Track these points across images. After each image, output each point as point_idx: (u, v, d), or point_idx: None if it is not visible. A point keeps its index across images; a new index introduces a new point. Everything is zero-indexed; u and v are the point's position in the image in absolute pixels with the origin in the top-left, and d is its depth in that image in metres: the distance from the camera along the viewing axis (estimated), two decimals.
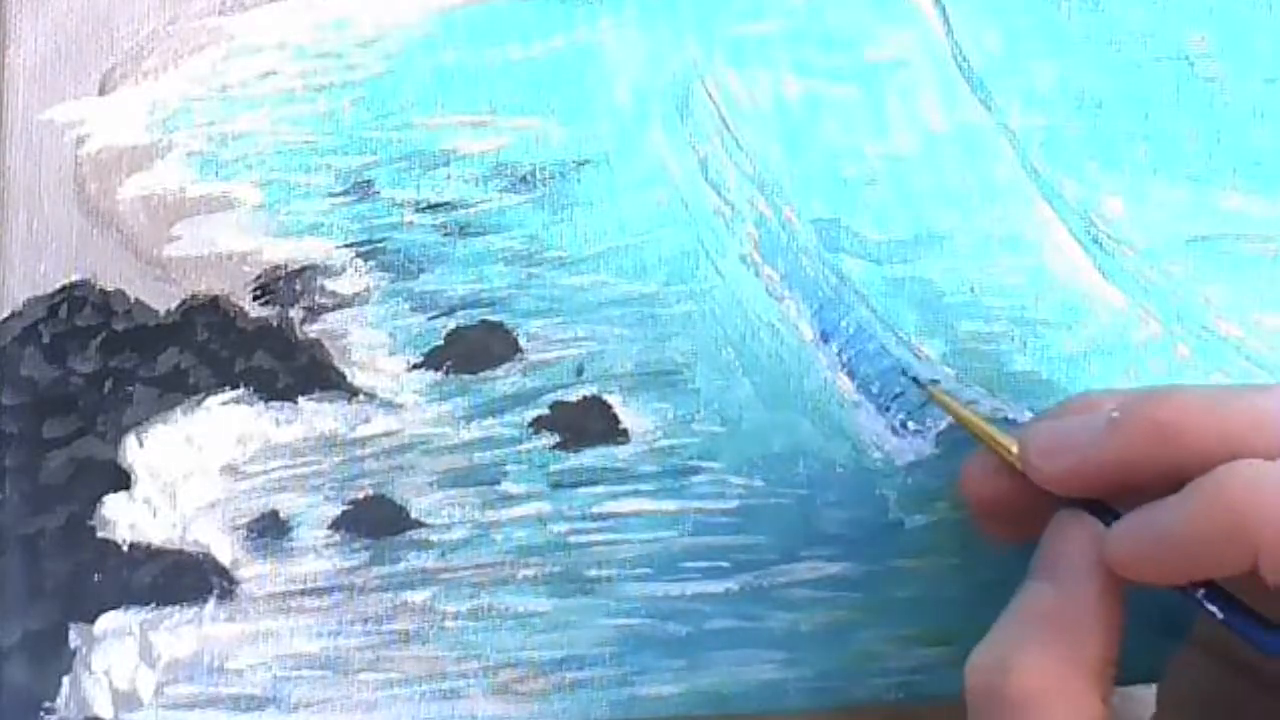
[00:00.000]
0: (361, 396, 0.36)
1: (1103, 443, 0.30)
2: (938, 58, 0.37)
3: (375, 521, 0.36)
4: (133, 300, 0.36)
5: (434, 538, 0.36)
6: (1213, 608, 0.29)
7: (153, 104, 0.36)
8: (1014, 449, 0.32)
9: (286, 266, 0.36)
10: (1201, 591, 0.29)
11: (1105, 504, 0.30)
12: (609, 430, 0.36)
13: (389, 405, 0.36)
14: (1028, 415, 0.36)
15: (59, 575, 0.35)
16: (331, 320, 0.36)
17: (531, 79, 0.37)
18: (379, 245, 0.37)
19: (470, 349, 0.36)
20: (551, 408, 0.36)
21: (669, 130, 0.37)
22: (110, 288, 0.36)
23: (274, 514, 0.36)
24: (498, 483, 0.36)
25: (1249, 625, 0.29)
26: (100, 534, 0.36)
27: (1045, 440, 0.31)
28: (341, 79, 0.37)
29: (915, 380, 0.36)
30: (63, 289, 0.36)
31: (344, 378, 0.36)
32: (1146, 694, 0.34)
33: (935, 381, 0.36)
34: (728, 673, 0.36)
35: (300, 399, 0.36)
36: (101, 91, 0.36)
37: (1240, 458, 0.28)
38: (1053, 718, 0.28)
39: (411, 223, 0.37)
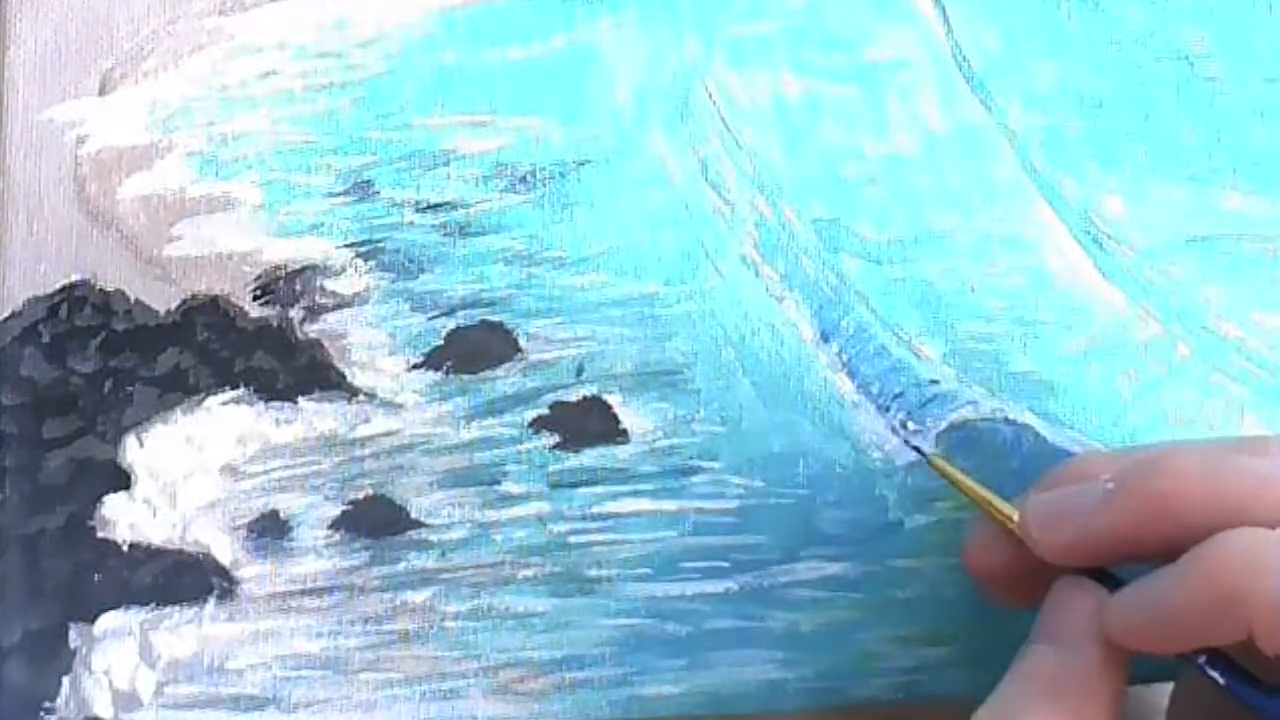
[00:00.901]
0: (361, 396, 0.36)
1: (1099, 515, 0.30)
2: (938, 58, 0.37)
3: (375, 521, 0.36)
4: (133, 300, 0.36)
5: (434, 538, 0.36)
6: (1214, 674, 0.29)
7: (153, 104, 0.36)
8: (1015, 517, 0.32)
9: (286, 266, 0.36)
10: (1203, 659, 0.29)
11: (1107, 570, 0.31)
12: (609, 430, 0.36)
13: (389, 405, 0.36)
14: (1029, 415, 0.36)
15: (59, 575, 0.35)
16: (331, 320, 0.36)
17: (531, 79, 0.37)
18: (379, 245, 0.37)
19: (470, 349, 0.36)
20: (551, 408, 0.36)
21: (669, 130, 0.37)
22: (110, 288, 0.36)
23: (274, 514, 0.36)
24: (498, 483, 0.36)
25: (1250, 691, 0.29)
26: (100, 534, 0.36)
27: (1043, 514, 0.31)
28: (341, 79, 0.37)
29: (918, 450, 0.36)
30: (63, 289, 0.36)
31: (344, 378, 0.36)
32: (1150, 694, 0.34)
33: (935, 452, 0.36)
34: (728, 673, 0.36)
35: (300, 399, 0.36)
36: (101, 91, 0.36)
37: (1237, 525, 0.28)
38: None
39: (411, 223, 0.37)
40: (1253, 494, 0.29)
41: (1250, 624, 0.27)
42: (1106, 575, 0.31)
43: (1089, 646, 0.30)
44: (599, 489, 0.36)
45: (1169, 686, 0.34)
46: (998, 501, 0.33)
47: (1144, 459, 0.31)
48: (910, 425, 0.36)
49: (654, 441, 0.36)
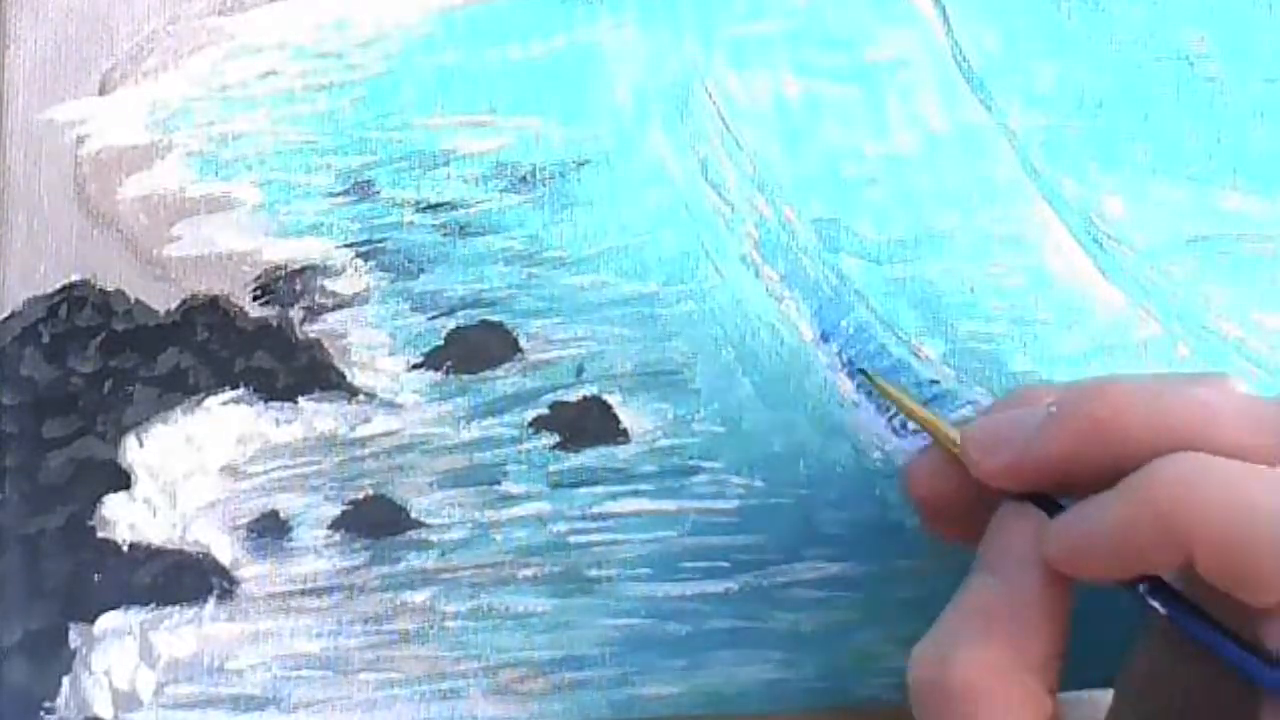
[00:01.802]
0: (361, 396, 0.36)
1: (1040, 438, 0.29)
2: (938, 58, 0.37)
3: (375, 521, 0.36)
4: (133, 300, 0.36)
5: (434, 538, 0.36)
6: (1154, 603, 0.29)
7: (153, 104, 0.36)
8: (959, 440, 0.32)
9: (286, 266, 0.36)
10: (1144, 587, 0.29)
11: (1050, 497, 0.30)
12: (609, 430, 0.36)
13: (389, 405, 0.36)
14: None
15: (59, 575, 0.35)
16: (331, 320, 0.36)
17: (531, 79, 0.37)
18: (379, 245, 0.37)
19: (470, 349, 0.36)
20: (551, 408, 0.36)
21: (669, 130, 0.37)
22: (110, 288, 0.36)
23: (274, 514, 0.36)
24: (498, 483, 0.36)
25: (1192, 621, 0.28)
26: (100, 534, 0.36)
27: (984, 436, 0.31)
28: (341, 79, 0.37)
29: (861, 372, 0.35)
30: (63, 289, 0.36)
31: (344, 378, 0.36)
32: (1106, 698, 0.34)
33: (876, 371, 0.35)
34: (728, 673, 0.36)
35: (300, 399, 0.36)
36: (101, 91, 0.36)
37: (1178, 448, 0.28)
38: (993, 710, 0.28)
39: (411, 223, 0.37)
40: (1195, 422, 0.28)
41: (1190, 549, 0.27)
42: (1049, 502, 0.30)
43: (1029, 574, 0.29)
44: (599, 489, 0.36)
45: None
46: (943, 424, 0.32)
47: (1087, 385, 0.30)
48: (910, 425, 0.36)
49: (654, 441, 0.36)
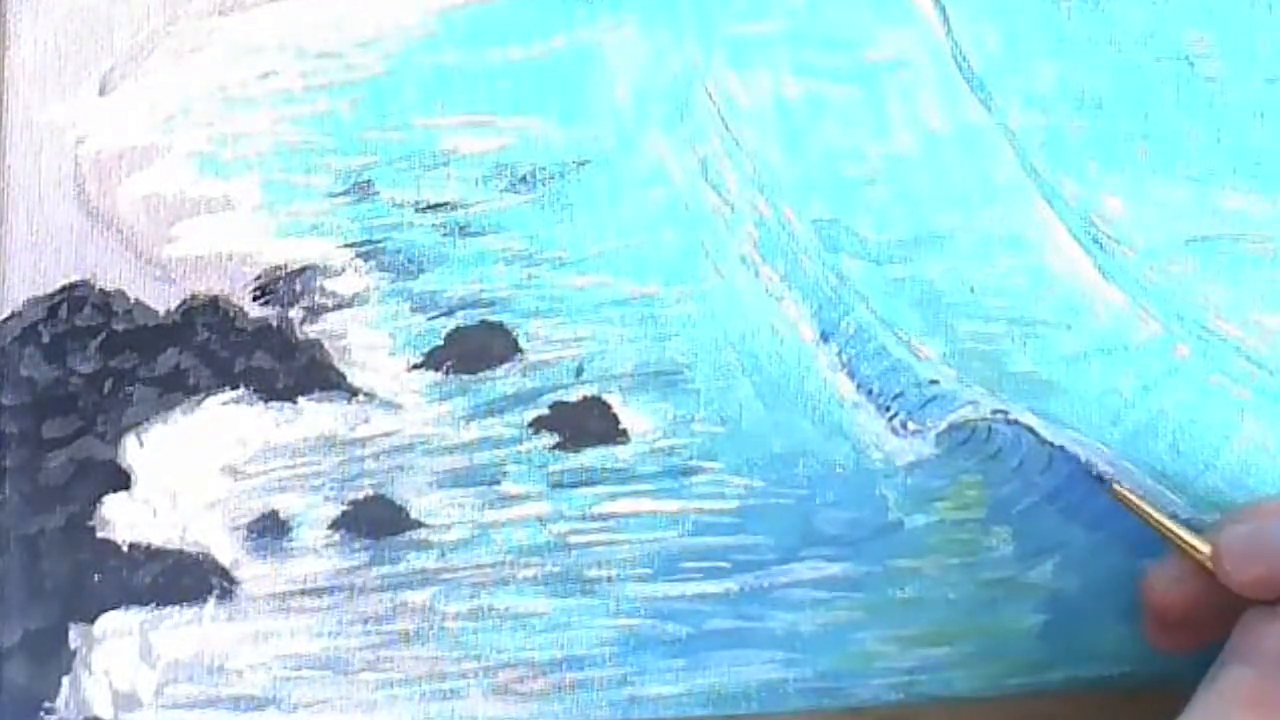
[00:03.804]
0: (361, 396, 0.36)
1: None
2: (938, 58, 0.37)
3: (375, 521, 0.36)
4: (133, 300, 0.36)
5: (434, 538, 0.36)
6: None
7: (153, 104, 0.36)
8: (1205, 549, 0.33)
9: (286, 266, 0.36)
10: None
11: None
12: (609, 430, 0.36)
13: (389, 405, 0.36)
14: (1028, 415, 0.36)
15: (59, 575, 0.35)
16: (331, 320, 0.36)
17: (531, 79, 0.37)
18: (379, 245, 0.37)
19: (470, 349, 0.36)
20: (551, 408, 0.36)
21: (669, 130, 0.37)
22: (110, 288, 0.36)
23: (274, 514, 0.36)
24: (498, 483, 0.36)
25: None
26: (100, 534, 0.36)
27: (1239, 547, 0.32)
28: (341, 79, 0.37)
29: (1100, 479, 0.36)
30: (63, 289, 0.36)
31: (344, 378, 0.36)
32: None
33: (1118, 481, 0.36)
34: (728, 673, 0.36)
35: (300, 399, 0.36)
36: (101, 91, 0.36)
37: None
38: None
39: (411, 223, 0.37)
40: None
41: None
42: None
43: None
44: (599, 489, 0.36)
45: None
46: (1185, 533, 0.33)
47: None
48: (910, 425, 0.36)
49: (654, 441, 0.36)
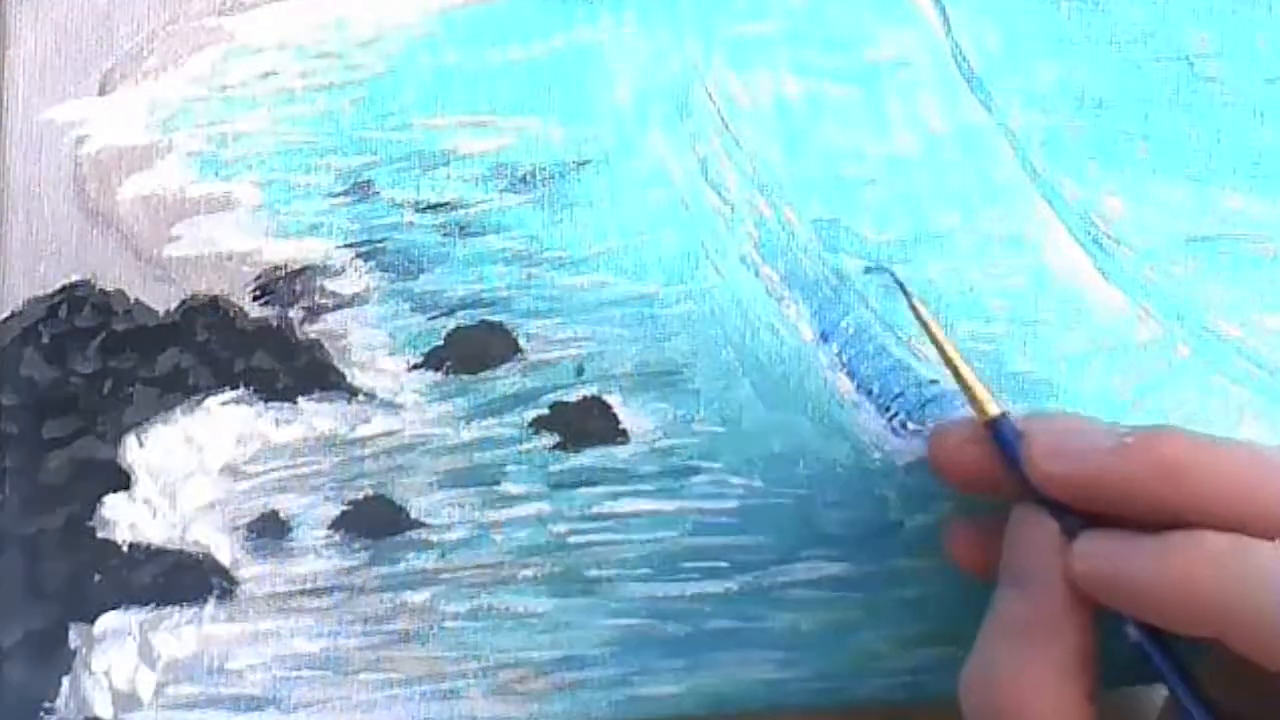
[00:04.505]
0: (361, 396, 0.36)
1: (1108, 461, 0.30)
2: (938, 58, 0.37)
3: (375, 521, 0.36)
4: (133, 300, 0.36)
5: (434, 538, 0.36)
6: (1131, 630, 0.30)
7: (153, 104, 0.36)
8: (992, 411, 0.32)
9: (286, 266, 0.36)
10: (1138, 628, 0.30)
11: (1061, 504, 0.31)
12: (609, 430, 0.36)
13: (389, 405, 0.36)
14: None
15: (59, 575, 0.35)
16: (331, 320, 0.36)
17: (531, 79, 0.37)
18: (379, 245, 0.37)
19: (470, 349, 0.36)
20: (551, 408, 0.36)
21: (669, 130, 0.37)
22: (110, 288, 0.36)
23: (274, 514, 0.36)
24: (498, 483, 0.36)
25: (1160, 656, 0.30)
26: (100, 534, 0.36)
27: (1052, 441, 0.31)
28: (341, 79, 0.37)
29: (900, 286, 0.35)
30: (63, 289, 0.36)
31: (344, 378, 0.36)
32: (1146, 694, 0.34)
33: (922, 300, 0.35)
34: (728, 673, 0.36)
35: (300, 399, 0.36)
36: (101, 91, 0.36)
37: (1237, 511, 0.28)
38: None
39: (411, 223, 0.37)
40: (1258, 484, 0.29)
41: (1223, 630, 0.27)
42: (1062, 509, 0.31)
43: (1053, 587, 0.30)
44: (599, 489, 0.36)
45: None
46: (979, 385, 0.33)
47: (1160, 426, 0.31)
48: (910, 425, 0.36)
49: (654, 441, 0.36)
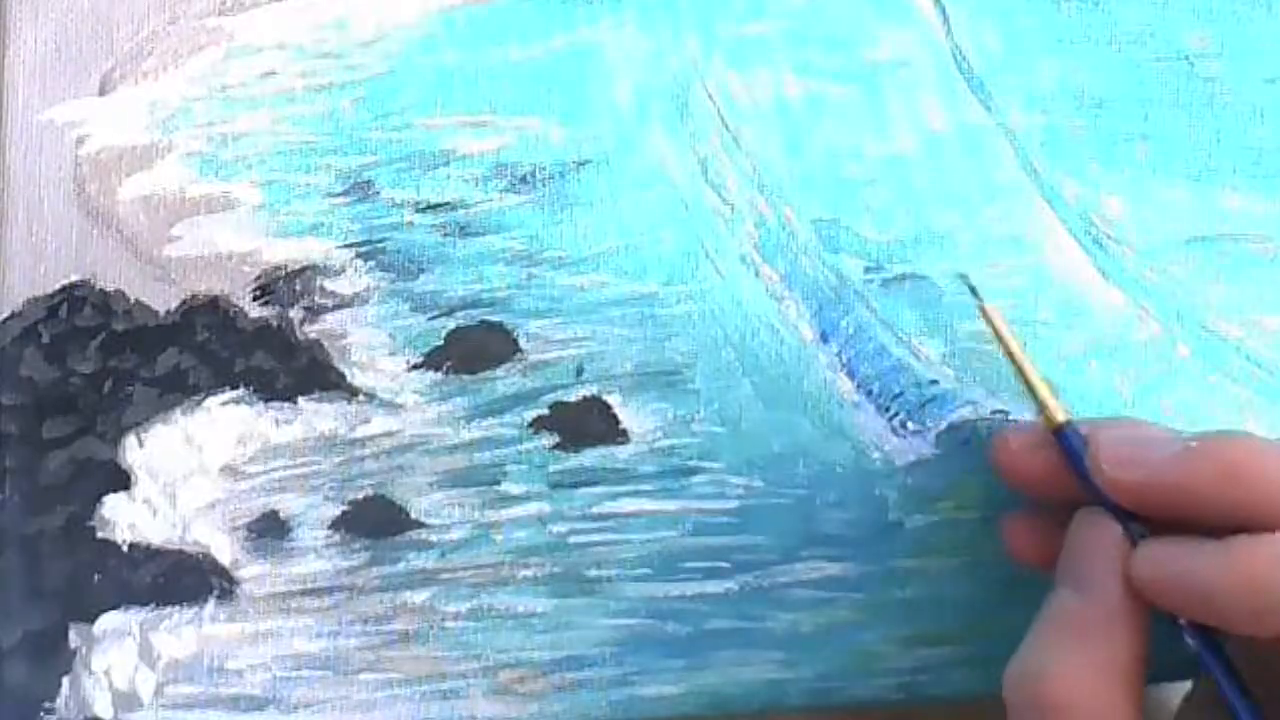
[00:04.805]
0: (361, 396, 0.36)
1: (1175, 467, 0.30)
2: (938, 58, 0.37)
3: (375, 521, 0.36)
4: (133, 300, 0.36)
5: (434, 538, 0.36)
6: (1190, 639, 0.30)
7: (153, 104, 0.36)
8: (1060, 418, 0.33)
9: (286, 266, 0.36)
10: (1185, 621, 0.30)
11: (1125, 509, 0.31)
12: (609, 430, 0.36)
13: (389, 405, 0.36)
14: (1028, 415, 0.36)
15: (59, 575, 0.35)
16: (331, 320, 0.36)
17: (531, 79, 0.37)
18: (379, 245, 0.37)
19: (470, 349, 0.36)
20: (551, 408, 0.36)
21: (669, 130, 0.37)
22: (110, 288, 0.36)
23: (274, 514, 0.36)
24: (498, 483, 0.36)
25: (1216, 665, 0.30)
26: (100, 534, 0.36)
27: (1119, 449, 0.31)
28: (341, 79, 0.37)
29: (972, 291, 0.35)
30: (63, 289, 0.36)
31: (344, 378, 0.36)
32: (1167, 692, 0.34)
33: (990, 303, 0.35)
34: (728, 673, 0.36)
35: (300, 399, 0.36)
36: (101, 91, 0.36)
37: None
38: None
39: (411, 223, 0.37)
40: None
41: None
42: (1125, 513, 0.31)
43: (1111, 587, 0.30)
44: (599, 489, 0.36)
45: (1179, 685, 0.34)
46: (1047, 390, 0.33)
47: (1224, 431, 0.31)
48: (910, 425, 0.36)
49: (654, 441, 0.36)
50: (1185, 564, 0.29)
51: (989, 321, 0.34)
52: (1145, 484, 0.31)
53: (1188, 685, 0.34)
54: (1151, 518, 0.31)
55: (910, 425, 0.36)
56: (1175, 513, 0.30)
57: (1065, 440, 0.32)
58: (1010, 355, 0.34)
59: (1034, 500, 0.34)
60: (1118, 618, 0.30)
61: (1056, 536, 0.32)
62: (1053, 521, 0.33)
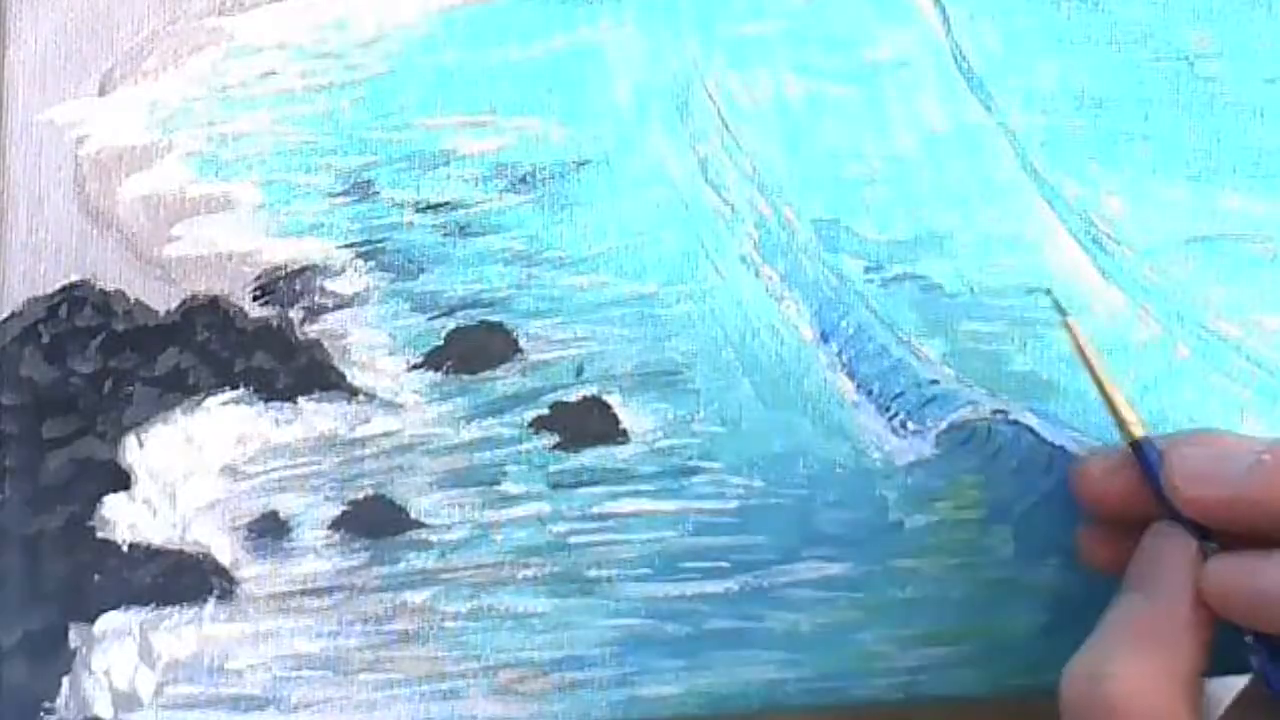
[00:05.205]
0: (361, 396, 0.36)
1: (1246, 480, 0.31)
2: (938, 58, 0.37)
3: (375, 521, 0.36)
4: (133, 300, 0.36)
5: (434, 538, 0.36)
6: (1256, 655, 0.30)
7: (153, 104, 0.36)
8: (1136, 432, 0.33)
9: (286, 266, 0.36)
10: (1252, 636, 0.30)
11: (1200, 524, 0.31)
12: (609, 430, 0.36)
13: (389, 405, 0.36)
14: (1028, 415, 0.36)
15: (59, 575, 0.35)
16: (331, 320, 0.36)
17: (531, 79, 0.37)
18: (379, 245, 0.37)
19: (470, 349, 0.36)
20: (551, 408, 0.36)
21: (669, 130, 0.37)
22: (110, 288, 0.36)
23: (274, 514, 0.36)
24: (498, 483, 0.36)
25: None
26: (100, 534, 0.36)
27: (1195, 466, 0.32)
28: (341, 79, 0.37)
29: (1057, 306, 0.36)
30: (63, 289, 0.36)
31: (344, 378, 0.36)
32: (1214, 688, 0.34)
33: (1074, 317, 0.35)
34: (728, 673, 0.36)
35: (300, 399, 0.36)
36: (101, 91, 0.36)
37: None
38: None
39: (411, 223, 0.37)
40: None
41: None
42: (1195, 526, 0.31)
43: (1181, 598, 0.31)
44: (599, 489, 0.36)
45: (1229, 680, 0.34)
46: (1128, 409, 0.33)
47: None
48: (910, 425, 0.36)
49: (654, 441, 0.36)
50: (1256, 577, 0.30)
51: (1071, 335, 0.35)
52: (1216, 500, 0.31)
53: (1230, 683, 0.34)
54: (1227, 532, 0.31)
55: (910, 425, 0.36)
56: (1250, 525, 0.31)
57: (1142, 455, 0.33)
58: (1090, 369, 0.34)
59: (1107, 518, 0.34)
60: (1185, 627, 0.30)
61: (1129, 545, 0.33)
62: (1124, 531, 0.33)
